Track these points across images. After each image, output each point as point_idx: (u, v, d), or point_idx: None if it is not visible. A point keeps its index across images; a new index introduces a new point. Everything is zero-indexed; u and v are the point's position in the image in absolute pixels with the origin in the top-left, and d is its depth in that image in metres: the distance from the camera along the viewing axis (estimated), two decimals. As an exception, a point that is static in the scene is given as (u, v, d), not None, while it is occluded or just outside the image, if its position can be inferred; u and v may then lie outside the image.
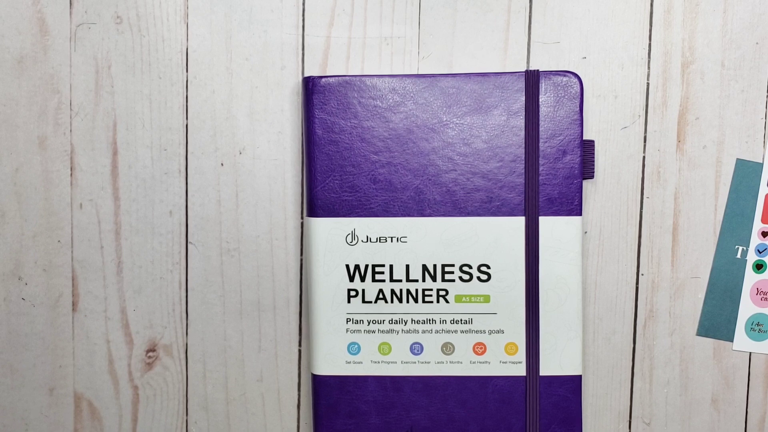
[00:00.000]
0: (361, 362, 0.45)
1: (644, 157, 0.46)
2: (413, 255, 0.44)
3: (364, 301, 0.45)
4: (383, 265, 0.44)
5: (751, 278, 0.46)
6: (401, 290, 0.45)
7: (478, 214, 0.44)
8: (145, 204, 0.47)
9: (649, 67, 0.45)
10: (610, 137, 0.46)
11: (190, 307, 0.47)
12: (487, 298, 0.44)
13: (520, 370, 0.45)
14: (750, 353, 0.47)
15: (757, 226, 0.46)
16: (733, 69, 0.45)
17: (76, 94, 0.47)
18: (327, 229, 0.44)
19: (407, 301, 0.45)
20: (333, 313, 0.45)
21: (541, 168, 0.44)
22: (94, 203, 0.47)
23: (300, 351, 0.48)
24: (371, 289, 0.45)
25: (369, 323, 0.45)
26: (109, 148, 0.47)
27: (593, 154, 0.44)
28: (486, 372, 0.45)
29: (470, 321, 0.45)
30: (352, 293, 0.45)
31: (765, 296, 0.46)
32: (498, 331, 0.44)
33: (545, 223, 0.44)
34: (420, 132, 0.44)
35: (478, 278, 0.44)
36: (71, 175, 0.47)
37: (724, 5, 0.45)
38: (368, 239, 0.44)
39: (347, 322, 0.45)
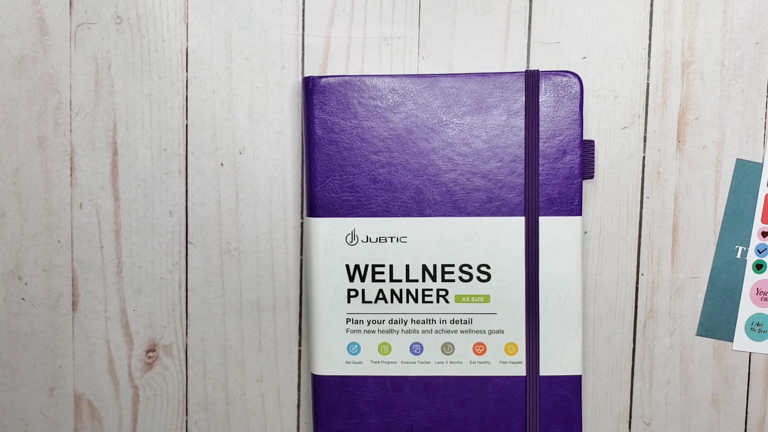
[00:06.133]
0: (361, 362, 0.45)
1: (644, 157, 0.46)
2: (413, 255, 0.44)
3: (364, 301, 0.45)
4: (383, 265, 0.44)
5: (751, 278, 0.46)
6: (401, 290, 0.45)
7: (478, 214, 0.44)
8: (145, 204, 0.47)
9: (649, 67, 0.45)
10: (610, 137, 0.46)
11: (190, 307, 0.47)
12: (487, 298, 0.44)
13: (520, 370, 0.45)
14: (750, 353, 0.47)
15: (757, 226, 0.46)
16: (733, 69, 0.45)
17: (76, 94, 0.47)
18: (327, 229, 0.44)
19: (407, 301, 0.45)
20: (333, 313, 0.45)
21: (541, 168, 0.44)
22: (94, 203, 0.47)
23: (300, 351, 0.48)
24: (371, 289, 0.45)
25: (369, 323, 0.45)
26: (109, 148, 0.47)
27: (593, 154, 0.44)
28: (486, 372, 0.45)
29: (470, 321, 0.45)
30: (352, 293, 0.45)
31: (765, 296, 0.46)
32: (498, 331, 0.44)
33: (545, 223, 0.44)
34: (420, 132, 0.44)
35: (478, 278, 0.44)
36: (71, 175, 0.47)
37: (724, 5, 0.45)
38: (368, 239, 0.44)
39: (347, 322, 0.45)
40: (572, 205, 0.44)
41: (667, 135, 0.46)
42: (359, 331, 0.45)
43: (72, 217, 0.47)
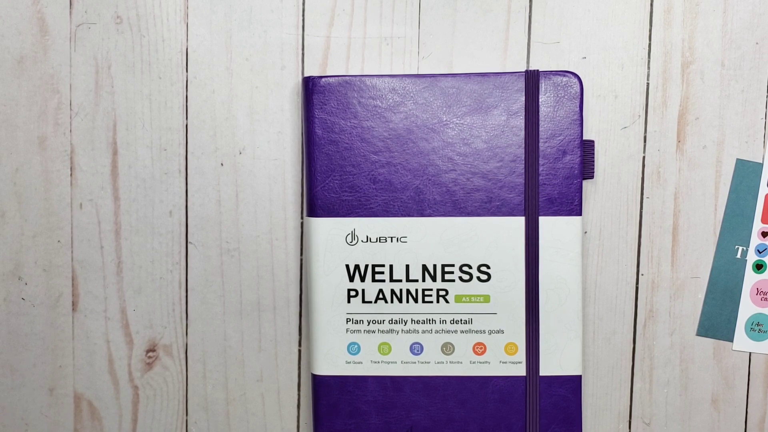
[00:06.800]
0: (361, 362, 0.45)
1: (644, 157, 0.46)
2: (413, 255, 0.44)
3: (364, 301, 0.45)
4: (383, 265, 0.44)
5: (751, 278, 0.46)
6: (401, 290, 0.45)
7: (478, 214, 0.44)
8: (145, 204, 0.47)
9: (649, 67, 0.45)
10: (610, 137, 0.46)
11: (190, 307, 0.47)
12: (487, 298, 0.44)
13: (520, 370, 0.45)
14: (750, 353, 0.47)
15: (757, 226, 0.46)
16: (733, 69, 0.45)
17: (76, 94, 0.47)
18: (327, 229, 0.44)
19: (407, 301, 0.45)
20: (333, 313, 0.45)
21: (541, 168, 0.44)
22: (94, 203, 0.47)
23: (300, 351, 0.48)
24: (371, 289, 0.45)
25: (369, 323, 0.45)
26: (109, 148, 0.47)
27: (593, 154, 0.44)
28: (486, 372, 0.45)
29: (470, 321, 0.45)
30: (352, 293, 0.45)
31: (765, 296, 0.46)
32: (498, 331, 0.44)
33: (545, 223, 0.44)
34: (420, 132, 0.44)
35: (478, 278, 0.44)
36: (71, 175, 0.47)
37: (724, 5, 0.45)
38: (368, 239, 0.44)
39: (347, 322, 0.45)
40: (572, 205, 0.44)
41: (667, 135, 0.46)
42: (359, 331, 0.45)
43: (72, 217, 0.47)
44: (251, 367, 0.48)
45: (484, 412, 0.45)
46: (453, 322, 0.45)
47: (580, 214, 0.44)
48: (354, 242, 0.44)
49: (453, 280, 0.44)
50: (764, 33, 0.45)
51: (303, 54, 0.46)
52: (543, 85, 0.44)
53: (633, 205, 0.46)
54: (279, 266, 0.47)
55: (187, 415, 0.48)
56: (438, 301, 0.45)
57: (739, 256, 0.46)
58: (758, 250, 0.46)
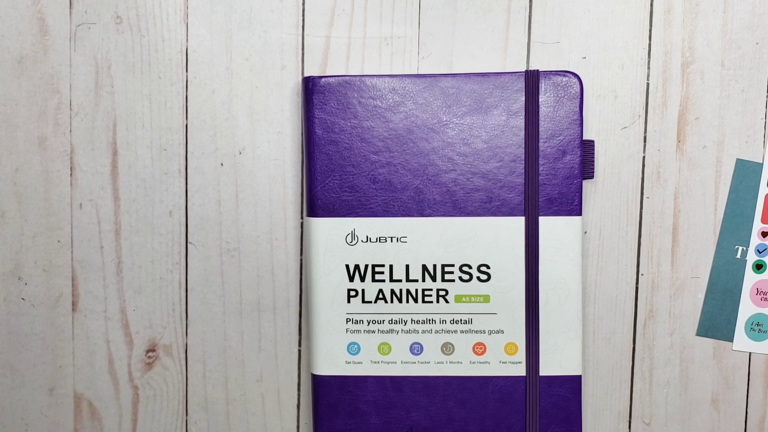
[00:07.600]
0: (361, 362, 0.45)
1: (644, 157, 0.46)
2: (413, 255, 0.44)
3: (363, 301, 0.45)
4: (383, 265, 0.44)
5: (751, 278, 0.46)
6: (401, 290, 0.45)
7: (478, 214, 0.44)
8: (145, 204, 0.47)
9: (649, 67, 0.45)
10: (610, 137, 0.46)
11: (190, 307, 0.47)
12: (486, 298, 0.44)
13: (520, 370, 0.45)
14: (750, 353, 0.47)
15: (757, 226, 0.46)
16: (733, 69, 0.45)
17: (76, 94, 0.47)
18: (327, 229, 0.44)
19: (407, 301, 0.45)
20: (333, 313, 0.45)
21: (541, 168, 0.44)
22: (94, 203, 0.47)
23: (300, 351, 0.48)
24: (371, 289, 0.45)
25: (369, 323, 0.45)
26: (109, 148, 0.47)
27: (593, 154, 0.44)
28: (486, 372, 0.45)
29: (470, 321, 0.45)
30: (352, 293, 0.45)
31: (765, 296, 0.46)
32: (498, 331, 0.44)
33: (545, 223, 0.44)
34: (420, 132, 0.44)
35: (478, 278, 0.44)
36: (71, 175, 0.47)
37: (724, 5, 0.45)
38: (368, 239, 0.44)
39: (347, 322, 0.45)
40: (572, 205, 0.44)
41: (667, 135, 0.46)
42: (359, 331, 0.45)
43: (72, 217, 0.47)
44: (251, 367, 0.48)
45: (484, 412, 0.45)
46: (453, 322, 0.45)
47: (580, 214, 0.44)
48: (354, 242, 0.44)
49: (453, 280, 0.44)
50: (764, 33, 0.45)
51: (303, 54, 0.46)
52: (543, 85, 0.44)
53: (633, 205, 0.46)
54: (279, 266, 0.47)
55: (187, 415, 0.48)
56: (438, 301, 0.45)
57: (739, 256, 0.46)
58: (758, 250, 0.46)
